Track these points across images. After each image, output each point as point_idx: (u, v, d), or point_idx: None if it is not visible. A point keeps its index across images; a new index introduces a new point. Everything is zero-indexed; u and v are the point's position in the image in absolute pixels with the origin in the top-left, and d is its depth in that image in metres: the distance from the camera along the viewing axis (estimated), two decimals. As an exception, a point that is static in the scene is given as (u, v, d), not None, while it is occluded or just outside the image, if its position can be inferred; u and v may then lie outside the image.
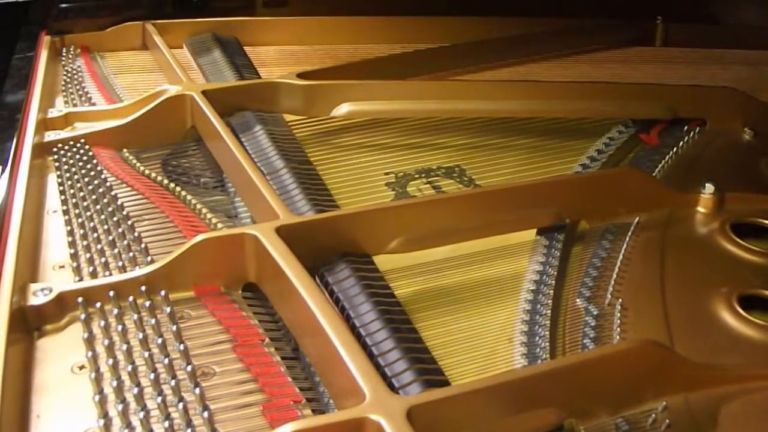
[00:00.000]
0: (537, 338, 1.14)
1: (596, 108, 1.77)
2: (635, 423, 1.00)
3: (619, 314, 1.19)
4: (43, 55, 1.98)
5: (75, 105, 1.79)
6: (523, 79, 2.01)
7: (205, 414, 0.94)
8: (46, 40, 2.08)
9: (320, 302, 1.04)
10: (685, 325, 1.19)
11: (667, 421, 0.99)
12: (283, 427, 0.86)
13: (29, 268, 1.22)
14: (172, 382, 0.99)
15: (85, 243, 1.28)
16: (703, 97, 1.81)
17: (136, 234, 1.30)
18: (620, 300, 1.22)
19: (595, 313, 1.20)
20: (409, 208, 1.31)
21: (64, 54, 2.07)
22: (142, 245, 1.26)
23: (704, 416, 1.02)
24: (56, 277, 1.22)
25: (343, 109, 1.74)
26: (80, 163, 1.52)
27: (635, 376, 1.01)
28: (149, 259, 1.23)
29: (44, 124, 1.64)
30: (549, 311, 1.19)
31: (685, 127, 1.76)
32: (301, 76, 1.76)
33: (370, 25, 2.22)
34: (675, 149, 1.68)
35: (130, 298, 1.11)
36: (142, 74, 2.03)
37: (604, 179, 1.49)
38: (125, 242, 1.27)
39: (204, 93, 1.66)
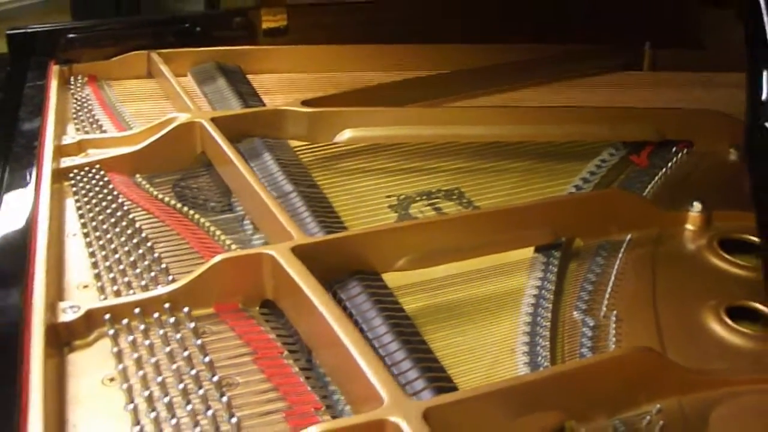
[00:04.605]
0: (538, 348, 1.20)
1: (587, 131, 1.82)
2: (631, 425, 1.05)
3: (614, 325, 1.26)
4: (53, 84, 2.03)
5: (86, 132, 1.84)
6: (517, 105, 2.06)
7: (233, 420, 1.00)
8: (54, 69, 2.13)
9: (337, 316, 1.10)
10: (676, 334, 1.25)
11: (662, 422, 1.05)
12: (309, 429, 0.93)
13: (56, 288, 1.27)
14: (200, 392, 1.05)
15: (106, 264, 1.33)
16: (690, 119, 1.86)
17: (155, 255, 1.35)
18: (615, 312, 1.28)
19: (591, 324, 1.26)
20: (415, 229, 1.37)
21: (72, 82, 2.12)
22: (163, 265, 1.31)
23: (696, 418, 1.07)
24: (81, 296, 1.27)
25: (345, 135, 1.79)
26: (96, 188, 1.57)
27: (630, 380, 1.07)
28: (170, 278, 1.28)
29: (59, 151, 1.68)
30: (548, 323, 1.25)
31: (674, 149, 1.81)
32: (305, 103, 1.82)
33: (367, 53, 2.27)
34: (664, 170, 1.73)
35: (155, 315, 1.18)
36: (147, 102, 2.08)
37: (595, 200, 1.55)
38: (146, 263, 1.33)
39: (213, 120, 1.72)
